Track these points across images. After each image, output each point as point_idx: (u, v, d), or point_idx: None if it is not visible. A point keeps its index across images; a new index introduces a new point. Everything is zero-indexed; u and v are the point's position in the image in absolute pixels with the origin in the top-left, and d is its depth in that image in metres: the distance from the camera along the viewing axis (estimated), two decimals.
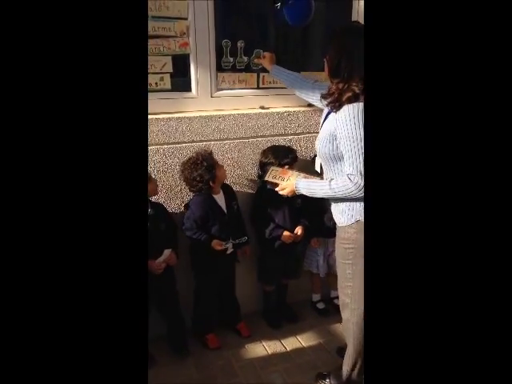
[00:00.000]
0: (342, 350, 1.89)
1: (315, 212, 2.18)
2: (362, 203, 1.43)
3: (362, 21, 2.14)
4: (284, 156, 1.97)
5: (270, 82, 2.11)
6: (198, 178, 1.80)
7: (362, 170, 1.33)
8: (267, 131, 2.09)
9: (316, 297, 2.39)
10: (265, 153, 2.04)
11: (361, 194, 1.37)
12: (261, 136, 2.08)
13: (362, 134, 1.30)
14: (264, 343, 2.07)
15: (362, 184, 1.34)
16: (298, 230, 2.05)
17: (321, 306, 2.36)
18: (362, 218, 1.45)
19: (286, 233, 2.01)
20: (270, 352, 2.02)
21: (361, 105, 1.31)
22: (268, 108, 2.11)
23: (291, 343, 2.08)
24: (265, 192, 2.04)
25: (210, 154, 1.87)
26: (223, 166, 1.94)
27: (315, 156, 2.08)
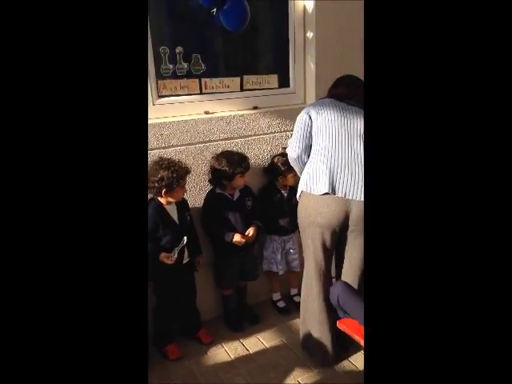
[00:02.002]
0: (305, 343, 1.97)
1: (267, 212, 2.21)
2: (306, 175, 1.79)
3: (298, 21, 2.21)
4: (238, 164, 1.99)
5: (213, 87, 2.12)
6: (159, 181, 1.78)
7: (293, 143, 1.87)
8: (213, 136, 2.09)
9: (276, 296, 2.42)
10: (218, 159, 2.02)
11: (293, 163, 1.94)
12: (208, 141, 2.08)
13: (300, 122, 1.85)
14: (226, 347, 2.07)
15: (291, 156, 1.90)
16: (250, 231, 2.07)
17: (281, 304, 2.39)
18: (304, 189, 1.79)
19: (236, 236, 2.02)
20: (232, 356, 2.02)
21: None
22: (213, 113, 2.12)
23: (253, 344, 2.09)
24: (215, 197, 2.05)
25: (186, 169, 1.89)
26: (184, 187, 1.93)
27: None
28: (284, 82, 2.35)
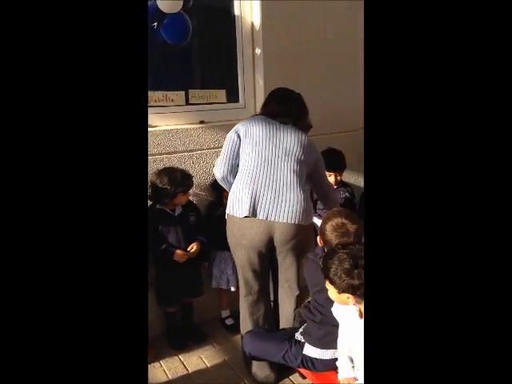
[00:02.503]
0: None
1: (216, 228, 2.17)
2: (231, 196, 1.77)
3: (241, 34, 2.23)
4: (180, 183, 1.96)
5: (156, 101, 2.10)
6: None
7: (219, 163, 1.83)
8: (156, 149, 2.06)
9: (225, 313, 2.37)
10: (160, 175, 1.97)
11: (220, 183, 1.90)
12: (150, 154, 2.05)
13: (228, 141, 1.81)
14: (164, 367, 2.01)
15: (217, 176, 1.86)
16: (193, 247, 2.03)
17: (230, 321, 2.33)
18: (228, 211, 1.78)
19: (178, 251, 1.98)
20: (170, 375, 1.95)
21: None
22: (156, 126, 2.10)
23: (194, 364, 2.03)
24: (155, 212, 2.01)
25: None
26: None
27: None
28: (232, 97, 2.36)
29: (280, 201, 1.67)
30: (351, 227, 1.48)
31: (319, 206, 2.49)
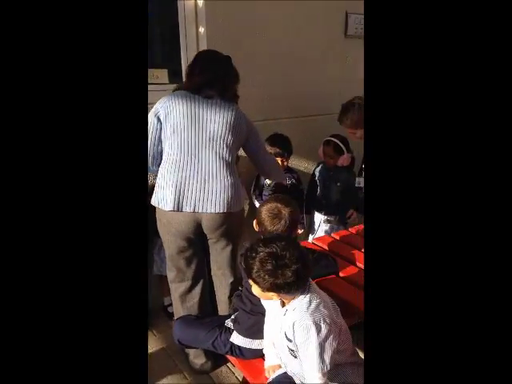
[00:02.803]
0: None
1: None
2: (156, 188, 1.67)
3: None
4: None
5: None
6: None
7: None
8: None
9: (167, 300, 2.32)
10: None
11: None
12: None
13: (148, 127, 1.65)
14: None
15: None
16: None
17: (171, 309, 2.29)
18: (154, 203, 1.69)
19: None
20: None
21: None
22: None
23: None
24: None
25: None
26: None
27: None
28: (175, 78, 2.26)
29: (205, 192, 1.60)
30: (284, 210, 1.46)
31: (265, 191, 2.46)
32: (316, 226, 2.54)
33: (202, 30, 2.21)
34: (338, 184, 2.41)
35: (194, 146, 1.60)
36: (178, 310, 1.84)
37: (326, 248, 1.94)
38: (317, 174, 2.52)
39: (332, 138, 2.34)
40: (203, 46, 2.23)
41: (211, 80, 1.64)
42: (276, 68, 2.50)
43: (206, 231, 1.69)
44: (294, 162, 2.73)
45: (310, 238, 2.54)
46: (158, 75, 2.20)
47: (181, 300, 1.82)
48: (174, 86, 2.21)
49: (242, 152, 2.37)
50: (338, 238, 2.05)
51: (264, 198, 2.43)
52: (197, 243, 1.74)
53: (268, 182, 2.38)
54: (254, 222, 1.58)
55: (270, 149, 2.35)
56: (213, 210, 1.61)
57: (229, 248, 1.75)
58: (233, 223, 1.69)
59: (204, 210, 1.61)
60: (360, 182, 2.31)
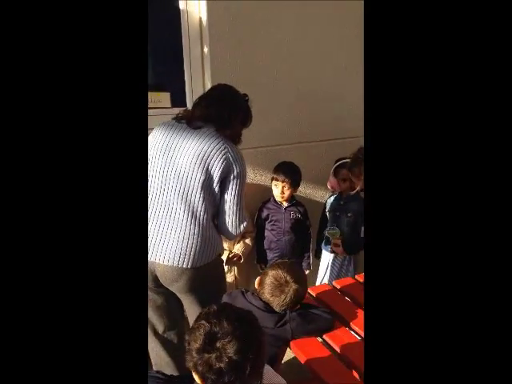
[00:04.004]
0: None
1: None
2: None
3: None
4: None
5: None
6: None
7: None
8: None
9: None
10: None
11: None
12: None
13: None
14: None
15: None
16: None
17: None
18: None
19: None
20: None
21: None
22: None
23: None
24: None
25: None
26: None
27: None
28: (178, 102, 2.14)
29: (161, 239, 1.41)
30: (290, 286, 1.39)
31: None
32: (324, 267, 2.30)
33: (206, 49, 2.07)
34: (349, 215, 2.16)
35: (159, 182, 1.41)
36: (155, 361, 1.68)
37: (323, 299, 1.71)
38: (328, 206, 2.28)
39: (346, 160, 2.10)
40: (207, 68, 2.09)
41: (211, 114, 1.42)
42: (288, 90, 2.30)
43: (163, 283, 1.50)
44: (309, 191, 2.51)
45: (318, 281, 2.30)
46: (160, 99, 2.09)
47: (152, 356, 1.66)
48: (177, 109, 2.14)
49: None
50: (338, 287, 1.81)
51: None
52: (162, 294, 1.55)
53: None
54: (257, 280, 1.49)
55: (274, 176, 2.19)
56: (165, 262, 1.41)
57: (196, 305, 1.52)
58: (195, 278, 1.45)
59: (159, 260, 1.42)
60: None
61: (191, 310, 1.54)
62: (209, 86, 2.12)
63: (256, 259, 2.35)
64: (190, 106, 2.18)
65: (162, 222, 1.42)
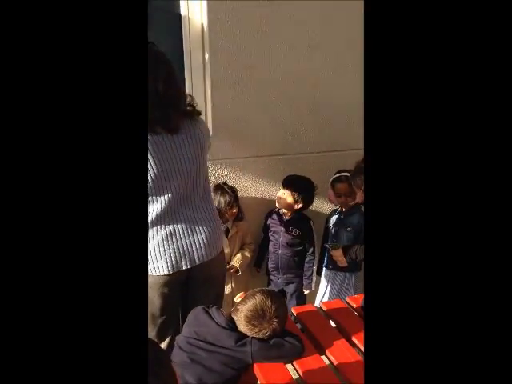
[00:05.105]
0: None
1: None
2: None
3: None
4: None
5: None
6: None
7: None
8: None
9: None
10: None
11: None
12: None
13: None
14: None
15: None
16: None
17: None
18: None
19: None
20: None
21: None
22: None
23: None
24: None
25: None
26: None
27: None
28: None
29: (193, 240, 1.48)
30: (270, 320, 1.32)
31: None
32: (324, 285, 2.16)
33: (207, 56, 2.04)
34: (349, 229, 2.02)
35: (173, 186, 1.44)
36: None
37: (304, 322, 1.59)
38: (330, 222, 2.15)
39: (344, 174, 1.97)
40: (208, 74, 2.05)
41: (154, 116, 1.22)
42: (294, 97, 2.21)
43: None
44: (315, 204, 2.39)
45: (317, 301, 2.17)
46: None
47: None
48: None
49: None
50: (325, 309, 1.68)
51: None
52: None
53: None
54: (241, 294, 1.47)
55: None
56: (199, 261, 1.48)
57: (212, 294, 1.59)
58: (220, 263, 1.58)
59: (191, 265, 1.48)
60: None
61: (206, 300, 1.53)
62: (209, 93, 2.09)
63: (254, 262, 2.29)
64: None
65: (189, 222, 1.43)
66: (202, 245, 1.44)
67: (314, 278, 2.17)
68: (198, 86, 2.11)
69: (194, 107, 1.39)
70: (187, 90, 2.11)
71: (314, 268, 2.16)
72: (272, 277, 2.23)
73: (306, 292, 2.17)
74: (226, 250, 2.14)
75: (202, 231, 1.44)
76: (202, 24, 2.01)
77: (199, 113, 1.42)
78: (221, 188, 2.09)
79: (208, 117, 2.14)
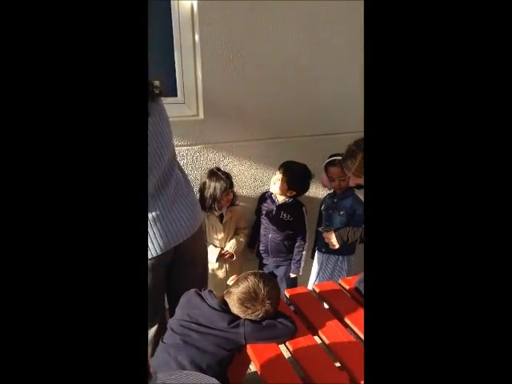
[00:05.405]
0: None
1: None
2: None
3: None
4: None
5: None
6: None
7: None
8: None
9: None
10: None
11: None
12: None
13: None
14: None
15: None
16: None
17: None
18: None
19: None
20: None
21: None
22: None
23: None
24: None
25: None
26: None
27: None
28: (169, 91, 2.08)
29: (175, 215, 1.48)
30: (263, 302, 1.33)
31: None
32: (317, 268, 2.17)
33: (197, 37, 2.00)
34: (342, 213, 2.02)
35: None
36: None
37: (297, 304, 1.60)
38: (323, 206, 2.15)
39: (337, 158, 1.95)
40: (199, 55, 2.02)
41: None
42: (287, 80, 2.18)
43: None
44: (314, 190, 2.37)
45: (310, 284, 2.18)
46: None
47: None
48: (167, 99, 2.08)
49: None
50: (317, 291, 1.69)
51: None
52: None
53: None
54: (234, 277, 1.48)
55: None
56: (185, 237, 1.48)
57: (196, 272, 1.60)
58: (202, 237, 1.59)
59: (177, 242, 1.48)
60: None
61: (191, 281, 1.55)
62: (200, 75, 2.06)
63: (248, 243, 2.30)
64: (181, 96, 2.15)
65: (171, 197, 1.43)
66: (185, 221, 1.44)
67: (303, 263, 2.16)
68: (189, 68, 2.07)
69: (156, 87, 1.37)
70: (177, 72, 2.08)
71: (304, 253, 2.15)
72: (263, 260, 2.24)
73: (292, 276, 2.17)
74: (221, 236, 2.15)
75: (183, 209, 1.44)
76: (192, 5, 1.97)
77: (162, 94, 1.40)
78: (215, 174, 2.07)
79: (199, 100, 2.12)
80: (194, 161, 2.17)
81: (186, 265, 1.54)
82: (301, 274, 2.18)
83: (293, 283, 2.19)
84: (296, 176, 2.05)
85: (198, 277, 1.61)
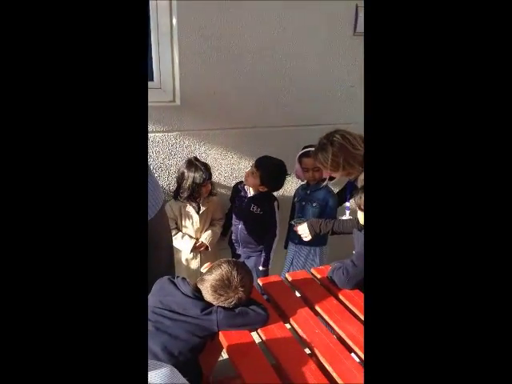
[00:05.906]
0: None
1: None
2: None
3: None
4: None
5: None
6: None
7: None
8: None
9: None
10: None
11: None
12: None
13: None
14: None
15: None
16: None
17: None
18: None
19: None
20: None
21: None
22: None
23: None
24: None
25: None
26: None
27: None
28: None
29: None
30: (237, 289, 1.35)
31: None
32: (289, 259, 2.20)
33: (175, 21, 1.96)
34: (314, 204, 2.05)
35: None
36: None
37: (270, 292, 1.62)
38: (297, 197, 2.17)
39: (311, 149, 1.97)
40: (176, 39, 1.98)
41: None
42: (266, 68, 2.17)
43: None
44: (289, 181, 2.38)
45: (284, 272, 2.21)
46: None
47: None
48: None
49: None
50: (290, 279, 1.72)
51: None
52: None
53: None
54: (208, 264, 1.50)
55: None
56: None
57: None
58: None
59: None
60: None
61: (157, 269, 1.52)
62: (177, 60, 2.02)
63: (221, 231, 2.28)
64: (157, 80, 2.11)
65: None
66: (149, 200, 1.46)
67: (272, 256, 2.16)
68: (166, 53, 2.03)
69: None
70: (154, 57, 2.04)
71: (274, 247, 2.15)
72: (236, 250, 2.25)
73: (261, 269, 2.17)
74: (196, 226, 2.13)
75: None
76: None
77: None
78: (194, 165, 2.04)
79: (176, 86, 2.08)
80: (169, 148, 2.14)
81: (151, 253, 1.52)
82: (270, 267, 2.19)
83: (263, 275, 2.20)
84: (269, 173, 2.02)
85: (165, 266, 1.60)
